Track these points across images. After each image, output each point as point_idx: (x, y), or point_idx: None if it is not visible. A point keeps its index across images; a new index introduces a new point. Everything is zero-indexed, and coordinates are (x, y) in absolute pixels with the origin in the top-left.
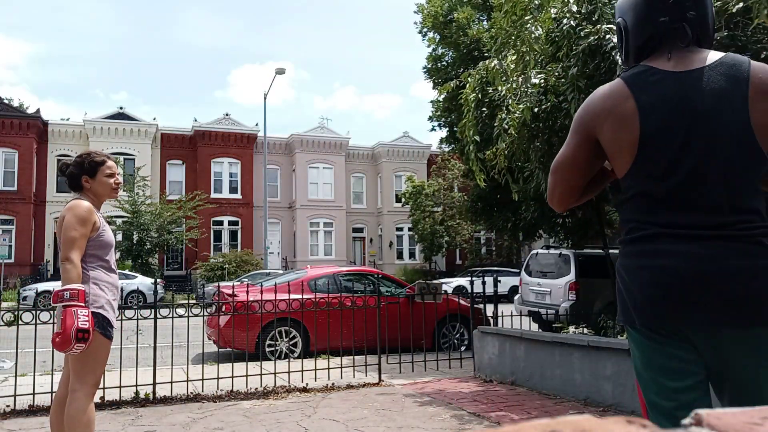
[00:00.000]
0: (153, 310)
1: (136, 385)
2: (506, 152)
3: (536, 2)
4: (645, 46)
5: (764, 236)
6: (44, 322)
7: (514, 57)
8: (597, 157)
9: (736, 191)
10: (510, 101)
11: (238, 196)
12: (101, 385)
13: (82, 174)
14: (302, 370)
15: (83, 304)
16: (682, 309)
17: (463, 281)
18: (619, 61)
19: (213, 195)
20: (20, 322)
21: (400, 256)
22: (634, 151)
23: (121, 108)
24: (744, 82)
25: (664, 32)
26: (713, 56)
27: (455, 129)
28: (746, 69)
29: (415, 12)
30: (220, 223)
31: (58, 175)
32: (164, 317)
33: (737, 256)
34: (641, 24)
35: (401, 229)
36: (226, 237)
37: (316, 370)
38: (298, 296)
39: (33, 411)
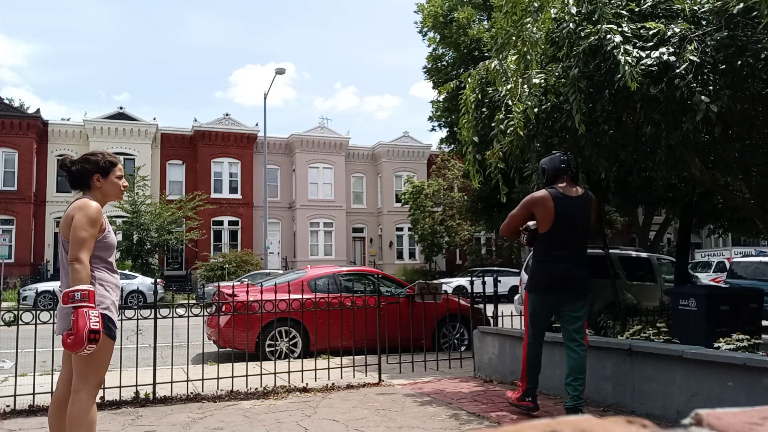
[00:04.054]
0: (153, 310)
1: (136, 385)
2: (501, 154)
3: (536, 4)
4: (554, 179)
5: (586, 262)
6: (44, 322)
7: (514, 57)
8: (526, 219)
9: (583, 243)
10: (511, 102)
11: (238, 196)
12: (102, 386)
13: (95, 172)
14: (302, 370)
15: (94, 305)
16: (559, 289)
17: (463, 281)
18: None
19: (213, 195)
20: (20, 322)
21: (400, 256)
22: (551, 224)
23: (121, 108)
24: (589, 203)
25: (561, 172)
26: (581, 190)
27: (455, 129)
28: (590, 197)
29: (415, 12)
30: (220, 223)
31: (58, 175)
32: (164, 317)
33: (579, 269)
34: (555, 168)
35: (401, 229)
36: (226, 237)
37: (316, 370)
38: (298, 296)
39: (33, 411)
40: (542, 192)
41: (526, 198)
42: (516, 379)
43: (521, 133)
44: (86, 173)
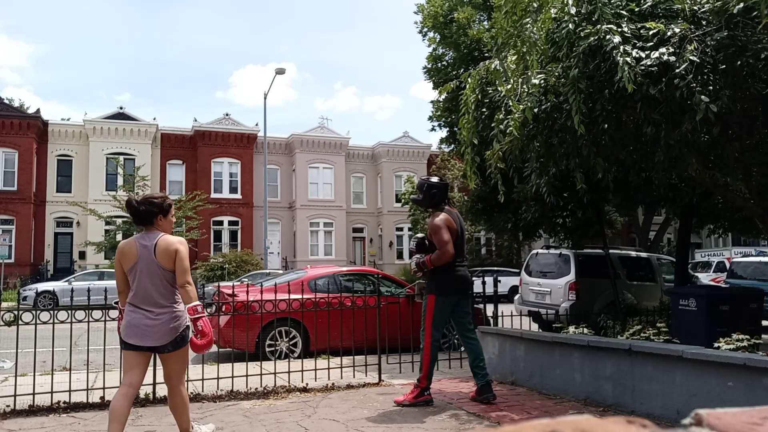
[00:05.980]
0: None
1: None
2: (501, 154)
3: (535, 4)
4: (441, 202)
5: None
6: (44, 322)
7: (514, 57)
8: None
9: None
10: (510, 102)
11: (238, 196)
12: (102, 386)
13: (159, 213)
14: (302, 370)
15: (206, 316)
16: (463, 289)
17: None
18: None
19: (213, 195)
20: (20, 322)
21: (400, 256)
22: (455, 236)
23: (121, 108)
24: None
25: (446, 196)
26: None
27: (455, 129)
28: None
29: (415, 12)
30: (220, 223)
31: (58, 175)
32: None
33: (468, 271)
34: (444, 193)
35: (401, 229)
36: (226, 237)
37: (316, 370)
38: (298, 296)
39: (33, 411)
40: (444, 213)
41: (440, 221)
42: (516, 380)
43: (516, 134)
44: (152, 214)
